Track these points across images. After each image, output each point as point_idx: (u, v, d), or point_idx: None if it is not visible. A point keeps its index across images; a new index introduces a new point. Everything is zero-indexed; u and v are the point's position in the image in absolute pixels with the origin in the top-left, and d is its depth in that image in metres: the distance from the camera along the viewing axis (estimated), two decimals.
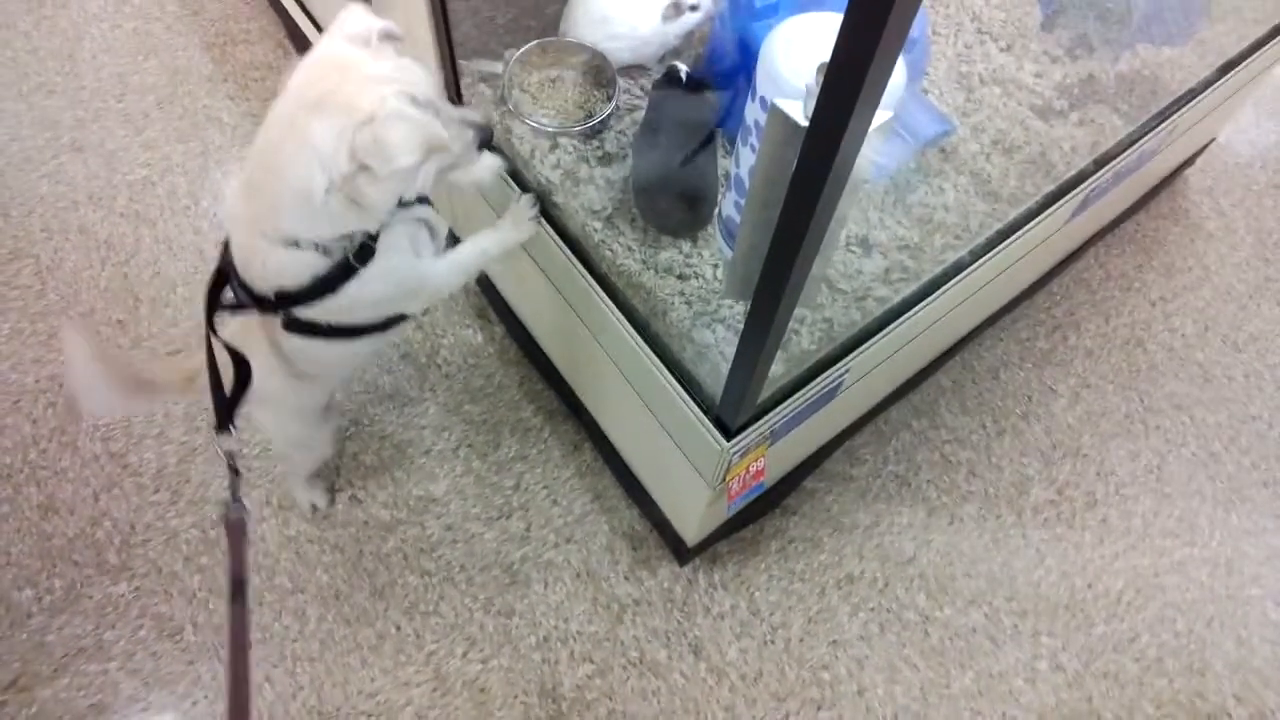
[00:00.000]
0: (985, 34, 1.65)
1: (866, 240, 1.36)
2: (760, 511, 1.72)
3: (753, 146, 1.12)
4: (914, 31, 1.34)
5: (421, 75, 1.03)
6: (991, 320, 2.00)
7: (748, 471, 1.32)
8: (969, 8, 1.67)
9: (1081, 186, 1.48)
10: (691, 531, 1.52)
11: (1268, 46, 1.73)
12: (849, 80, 0.64)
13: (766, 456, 1.34)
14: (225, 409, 1.15)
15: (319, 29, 2.04)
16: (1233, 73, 1.69)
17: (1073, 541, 1.78)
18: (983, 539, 1.77)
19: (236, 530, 1.06)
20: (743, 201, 1.15)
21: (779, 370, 1.18)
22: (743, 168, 1.18)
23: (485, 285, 1.95)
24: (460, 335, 1.98)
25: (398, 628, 1.65)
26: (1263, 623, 1.71)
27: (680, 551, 1.67)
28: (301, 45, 2.28)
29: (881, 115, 0.76)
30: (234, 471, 1.13)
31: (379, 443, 1.84)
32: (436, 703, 1.59)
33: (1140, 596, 1.73)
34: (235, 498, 1.09)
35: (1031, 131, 1.51)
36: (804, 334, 1.22)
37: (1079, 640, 1.68)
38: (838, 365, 1.24)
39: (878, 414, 1.87)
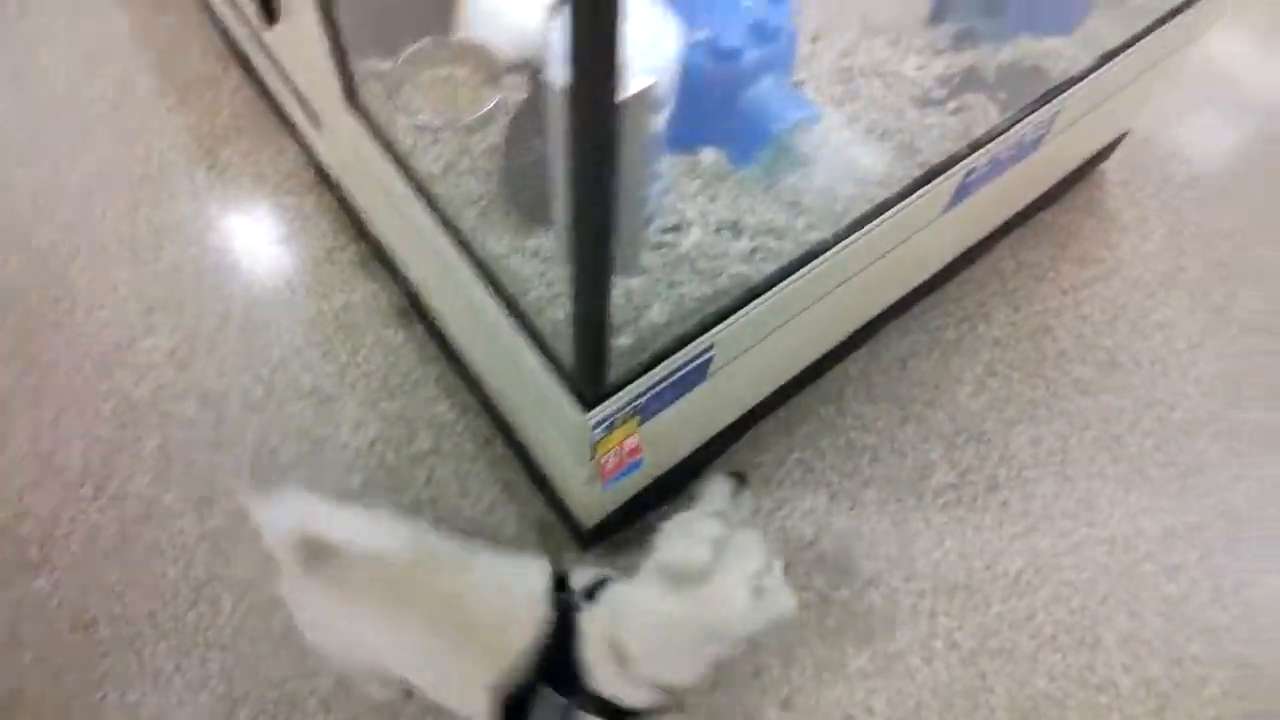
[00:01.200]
0: (872, 29, 1.71)
1: (737, 224, 1.40)
2: (662, 498, 1.76)
3: None
4: (774, 21, 1.41)
5: None
6: (899, 310, 2.05)
7: (621, 449, 1.36)
8: (859, 3, 1.74)
9: (951, 172, 1.52)
10: (583, 512, 1.56)
11: (1149, 36, 1.79)
12: (586, 48, 0.69)
13: (640, 434, 1.38)
14: None
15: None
16: (1114, 62, 1.74)
17: (973, 524, 1.81)
18: (883, 522, 1.80)
19: None
20: None
21: (631, 342, 1.22)
22: None
23: (404, 281, 2.00)
24: (381, 334, 2.03)
25: None
26: (1155, 597, 1.74)
27: (581, 537, 1.71)
28: (242, 61, 2.36)
29: (642, 81, 0.81)
30: None
31: (296, 439, 1.89)
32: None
33: (1038, 576, 1.76)
34: None
35: (906, 120, 1.57)
36: (655, 308, 1.26)
37: (975, 619, 1.71)
38: (697, 341, 1.28)
39: (784, 401, 1.92)
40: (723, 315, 1.30)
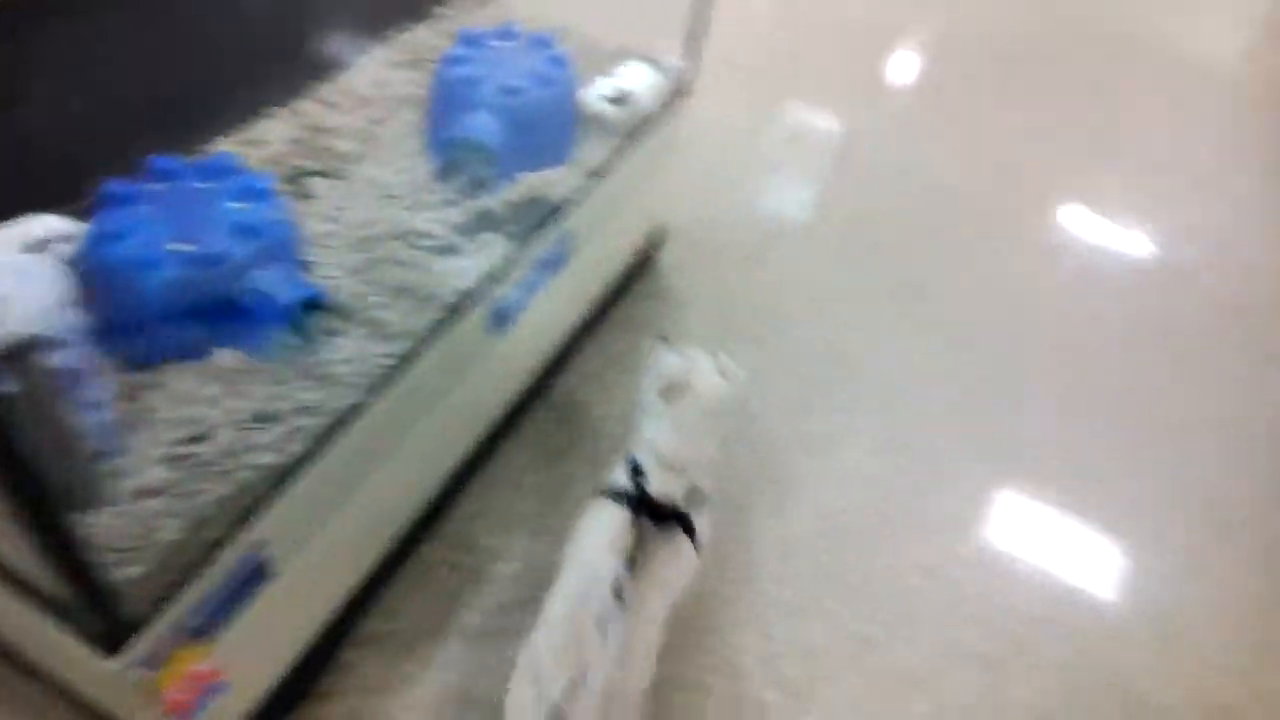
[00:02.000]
0: (389, 197, 1.83)
1: (271, 413, 1.40)
2: (286, 707, 1.64)
3: None
4: (257, 218, 1.47)
5: None
6: (501, 435, 2.15)
7: (189, 678, 1.27)
8: (373, 179, 1.86)
9: (477, 303, 1.67)
10: None
11: (631, 153, 2.12)
12: None
13: (215, 654, 1.30)
14: None
15: None
16: (606, 180, 2.03)
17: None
18: None
19: None
20: None
21: (148, 569, 1.16)
22: None
23: None
24: None
25: None
26: None
27: None
28: None
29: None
30: None
31: None
32: None
33: None
34: None
35: (432, 272, 1.68)
36: (171, 525, 1.21)
37: None
38: (236, 544, 1.24)
39: (409, 555, 1.91)
40: (254, 509, 1.28)
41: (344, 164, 1.88)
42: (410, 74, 2.16)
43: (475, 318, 1.68)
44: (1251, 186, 3.67)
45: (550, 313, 2.09)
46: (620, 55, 2.30)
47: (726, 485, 2.11)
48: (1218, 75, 4.53)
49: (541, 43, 1.99)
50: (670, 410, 1.54)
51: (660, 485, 1.50)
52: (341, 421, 1.40)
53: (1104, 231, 3.26)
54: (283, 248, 1.51)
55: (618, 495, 1.51)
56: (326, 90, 2.07)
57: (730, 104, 3.47)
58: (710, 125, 3.12)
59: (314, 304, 1.51)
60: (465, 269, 1.70)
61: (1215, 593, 2.13)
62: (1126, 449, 2.44)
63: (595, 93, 2.07)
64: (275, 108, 1.97)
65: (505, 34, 1.99)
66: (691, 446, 1.54)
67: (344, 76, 2.12)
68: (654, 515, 1.49)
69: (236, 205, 1.47)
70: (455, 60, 1.88)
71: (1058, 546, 2.18)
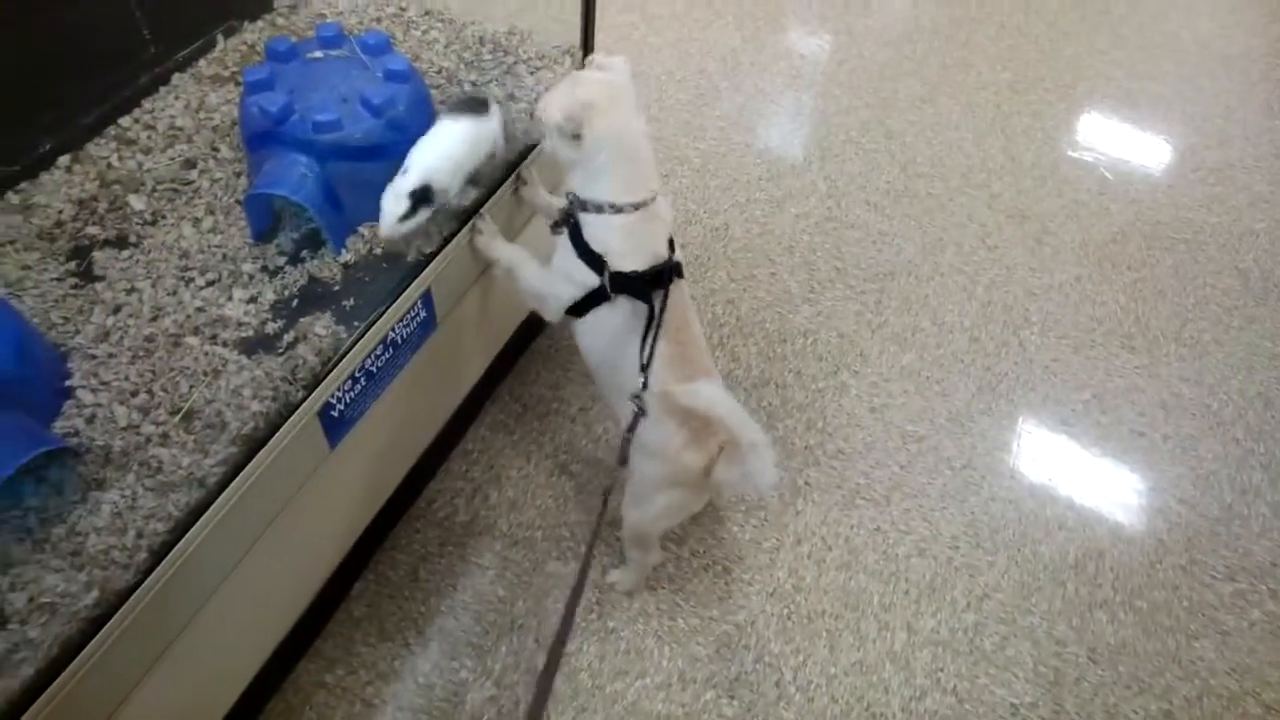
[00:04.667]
0: (190, 271, 1.46)
1: None
2: None
3: None
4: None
5: None
6: (397, 515, 1.84)
7: None
8: (174, 245, 1.49)
9: (312, 399, 1.33)
10: None
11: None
12: None
13: None
14: None
15: None
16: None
17: None
18: None
19: None
20: None
21: None
22: None
23: None
24: None
25: None
26: None
27: None
28: None
29: None
30: None
31: None
32: None
33: None
34: None
35: (227, 374, 1.33)
36: None
37: None
38: None
39: (284, 678, 1.63)
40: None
41: (141, 226, 1.52)
42: (238, 91, 1.76)
43: (299, 433, 1.34)
44: None
45: (440, 380, 1.74)
46: (492, 43, 1.88)
47: None
48: None
49: (376, 48, 1.57)
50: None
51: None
52: (95, 619, 1.09)
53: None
54: (7, 392, 1.16)
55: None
56: (129, 121, 1.68)
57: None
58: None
59: (62, 460, 1.18)
60: (295, 360, 1.34)
61: None
62: None
63: (386, 212, 1.44)
64: (62, 155, 1.59)
65: (327, 40, 1.57)
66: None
67: (154, 100, 1.72)
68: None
69: None
70: (258, 85, 1.46)
71: None
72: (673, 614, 1.78)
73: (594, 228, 1.51)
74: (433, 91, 1.70)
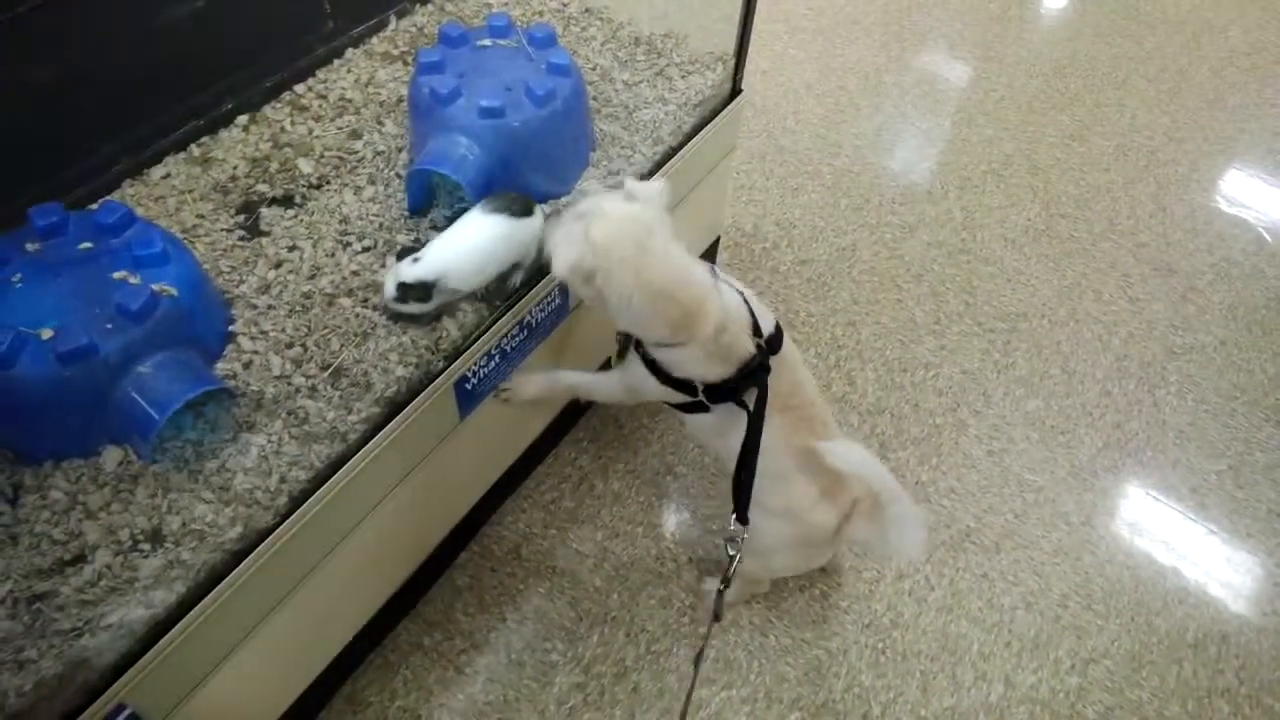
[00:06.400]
0: (349, 235, 1.53)
1: (156, 532, 1.16)
2: None
3: None
4: (137, 302, 1.19)
5: None
6: (507, 492, 1.88)
7: None
8: (336, 210, 1.56)
9: (451, 370, 1.38)
10: None
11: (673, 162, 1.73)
12: None
13: None
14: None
15: None
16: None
17: None
18: None
19: None
20: None
21: None
22: None
23: None
24: None
25: None
26: None
27: None
28: None
29: None
30: None
31: None
32: None
33: None
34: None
35: (375, 336, 1.39)
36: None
37: None
38: (95, 708, 1.02)
39: (382, 639, 1.68)
40: (129, 662, 1.06)
41: (307, 189, 1.60)
42: (405, 70, 1.83)
43: (436, 401, 1.38)
44: None
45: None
46: (652, 47, 1.90)
47: None
48: None
49: (542, 41, 1.61)
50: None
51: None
52: (236, 553, 1.15)
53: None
54: (180, 326, 1.24)
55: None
56: (304, 89, 1.77)
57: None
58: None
59: (220, 400, 1.25)
60: (435, 332, 1.40)
61: None
62: None
63: (388, 285, 1.37)
64: (240, 115, 1.69)
65: (498, 29, 1.62)
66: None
67: (328, 71, 1.81)
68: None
69: (122, 276, 1.21)
70: (430, 67, 1.53)
71: None
72: (765, 630, 1.76)
73: (666, 358, 1.39)
74: (587, 87, 1.73)
